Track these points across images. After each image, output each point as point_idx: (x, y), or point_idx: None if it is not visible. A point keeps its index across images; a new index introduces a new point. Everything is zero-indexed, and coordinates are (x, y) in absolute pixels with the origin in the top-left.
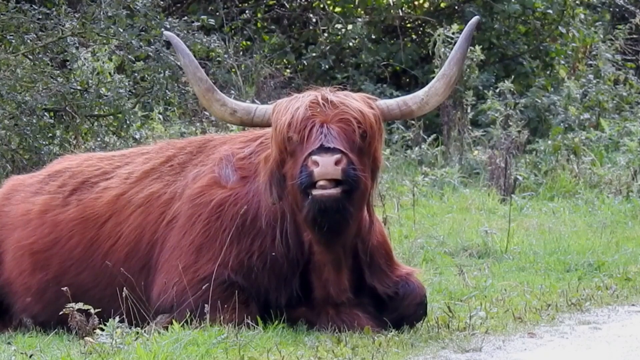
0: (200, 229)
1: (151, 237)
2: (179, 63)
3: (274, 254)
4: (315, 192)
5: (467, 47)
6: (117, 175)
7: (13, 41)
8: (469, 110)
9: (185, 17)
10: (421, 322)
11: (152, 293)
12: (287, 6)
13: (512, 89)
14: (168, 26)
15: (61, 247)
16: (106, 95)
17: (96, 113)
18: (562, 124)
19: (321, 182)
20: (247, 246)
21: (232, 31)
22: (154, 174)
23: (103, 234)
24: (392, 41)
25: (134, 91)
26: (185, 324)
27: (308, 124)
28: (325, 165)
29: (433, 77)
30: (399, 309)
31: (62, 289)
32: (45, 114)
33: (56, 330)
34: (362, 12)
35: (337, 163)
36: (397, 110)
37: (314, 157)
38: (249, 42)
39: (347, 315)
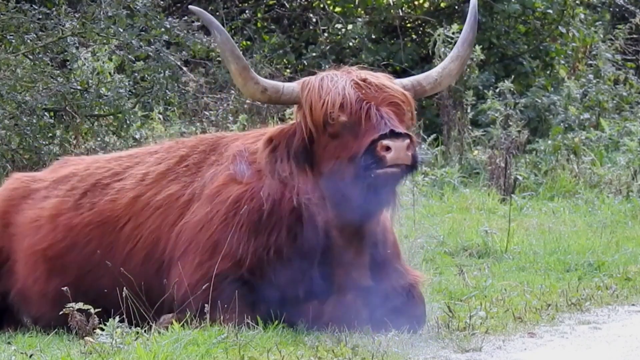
0: (218, 225)
1: (168, 237)
2: (179, 63)
3: (291, 245)
4: (380, 170)
5: (476, 27)
6: (131, 176)
7: (13, 41)
8: (469, 110)
9: (185, 17)
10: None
11: (169, 287)
12: (287, 6)
13: (512, 89)
14: (168, 26)
15: (78, 252)
16: (106, 95)
17: (96, 113)
18: (562, 124)
19: (393, 169)
20: (264, 241)
21: (232, 31)
22: (170, 175)
23: (122, 238)
24: (392, 41)
25: (134, 91)
26: (185, 323)
27: (363, 105)
28: (398, 151)
29: None
30: (397, 317)
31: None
32: (45, 114)
33: (56, 330)
34: (362, 12)
35: (407, 148)
36: (412, 91)
37: (386, 142)
38: (249, 42)
39: (362, 305)
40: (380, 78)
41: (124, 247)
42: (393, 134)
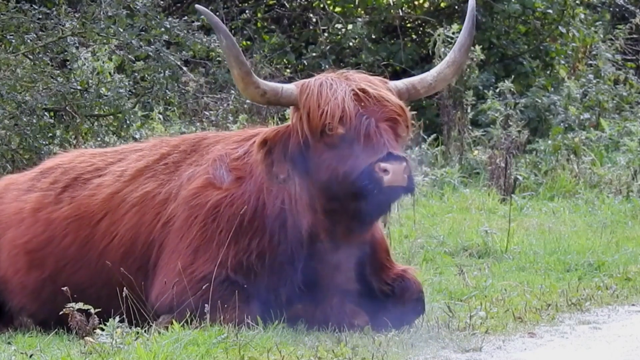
0: (197, 231)
1: (147, 237)
2: (179, 63)
3: (273, 251)
4: (377, 191)
5: (473, 32)
6: (111, 172)
7: (13, 41)
8: (469, 110)
9: (185, 17)
10: (420, 318)
11: (151, 295)
12: (287, 6)
13: (512, 89)
14: (168, 26)
15: (56, 245)
16: (106, 95)
17: (96, 113)
18: (562, 124)
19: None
20: (245, 246)
21: (232, 31)
22: (148, 172)
23: (98, 233)
24: (392, 41)
25: (134, 91)
26: (185, 324)
27: (362, 121)
28: (396, 173)
29: None
30: (396, 306)
31: (62, 288)
32: (45, 114)
33: (56, 330)
34: (362, 12)
35: (404, 171)
36: (407, 95)
37: (383, 165)
38: (249, 42)
39: (350, 309)
40: (378, 87)
41: (100, 242)
42: (391, 157)
